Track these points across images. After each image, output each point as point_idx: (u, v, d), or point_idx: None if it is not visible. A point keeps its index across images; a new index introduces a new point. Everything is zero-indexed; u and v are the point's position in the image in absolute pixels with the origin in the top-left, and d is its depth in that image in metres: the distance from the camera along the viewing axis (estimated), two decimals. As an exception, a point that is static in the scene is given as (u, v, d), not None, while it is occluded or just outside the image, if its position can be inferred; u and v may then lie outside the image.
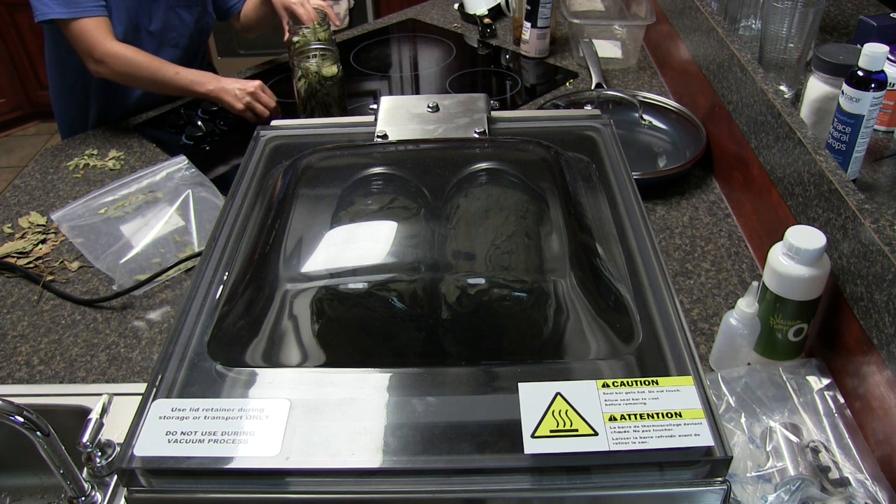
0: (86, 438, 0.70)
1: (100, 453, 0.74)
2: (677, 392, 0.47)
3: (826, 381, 0.79)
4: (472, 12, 1.88)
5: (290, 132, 0.83)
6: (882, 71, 0.92)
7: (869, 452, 0.73)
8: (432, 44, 1.84)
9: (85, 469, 0.75)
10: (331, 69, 1.33)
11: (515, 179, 0.72)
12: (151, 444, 0.46)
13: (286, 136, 0.83)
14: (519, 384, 0.48)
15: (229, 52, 3.22)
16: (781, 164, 0.96)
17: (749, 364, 0.83)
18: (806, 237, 0.75)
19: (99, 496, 0.74)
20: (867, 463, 0.72)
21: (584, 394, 0.47)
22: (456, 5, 1.99)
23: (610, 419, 0.45)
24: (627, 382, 0.48)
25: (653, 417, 0.45)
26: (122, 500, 0.47)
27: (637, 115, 1.34)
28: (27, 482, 0.92)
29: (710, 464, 0.44)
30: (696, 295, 0.97)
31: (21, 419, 0.62)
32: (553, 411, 0.46)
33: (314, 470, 0.45)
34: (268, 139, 0.82)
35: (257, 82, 1.40)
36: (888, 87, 0.98)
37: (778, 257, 0.77)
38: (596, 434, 0.45)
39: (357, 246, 0.64)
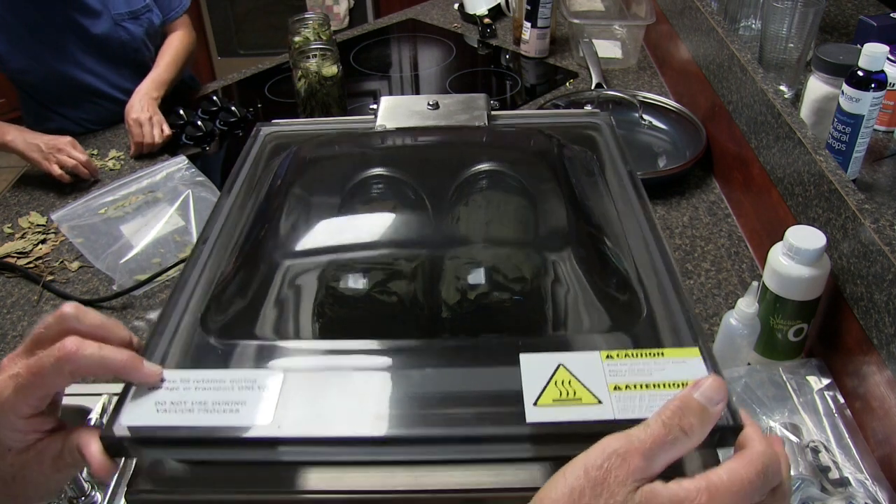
0: (85, 438, 0.70)
1: (100, 453, 0.74)
2: (683, 363, 0.46)
3: (826, 381, 0.79)
4: (472, 12, 1.88)
5: (289, 130, 0.83)
6: (882, 71, 0.92)
7: (869, 452, 0.73)
8: (432, 44, 1.84)
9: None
10: (331, 69, 1.33)
11: (516, 164, 0.72)
12: (139, 414, 0.45)
13: (285, 134, 0.83)
14: (520, 355, 0.47)
15: (229, 52, 3.22)
16: (781, 164, 0.96)
17: (749, 364, 0.83)
18: (806, 237, 0.75)
19: (99, 496, 0.74)
20: (867, 463, 0.72)
21: (588, 364, 0.46)
22: (456, 5, 1.99)
23: (615, 388, 0.44)
24: (632, 354, 0.47)
25: (659, 387, 0.44)
26: (122, 501, 0.47)
27: (637, 115, 1.34)
28: (27, 482, 0.92)
29: (719, 432, 0.43)
30: (696, 295, 0.97)
31: (21, 419, 0.62)
32: (556, 381, 0.45)
33: (307, 438, 0.44)
34: (266, 136, 0.82)
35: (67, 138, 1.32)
36: (888, 87, 0.98)
37: (778, 257, 0.77)
38: (600, 403, 0.44)
39: (355, 224, 0.64)
